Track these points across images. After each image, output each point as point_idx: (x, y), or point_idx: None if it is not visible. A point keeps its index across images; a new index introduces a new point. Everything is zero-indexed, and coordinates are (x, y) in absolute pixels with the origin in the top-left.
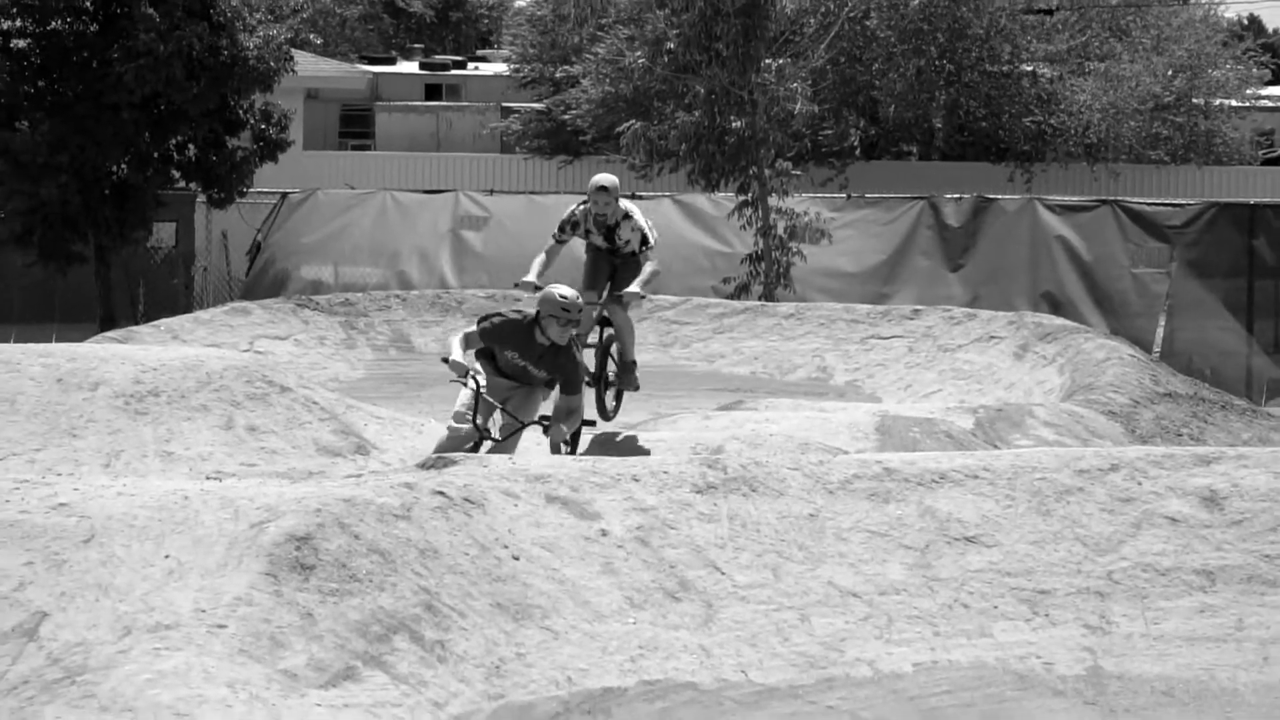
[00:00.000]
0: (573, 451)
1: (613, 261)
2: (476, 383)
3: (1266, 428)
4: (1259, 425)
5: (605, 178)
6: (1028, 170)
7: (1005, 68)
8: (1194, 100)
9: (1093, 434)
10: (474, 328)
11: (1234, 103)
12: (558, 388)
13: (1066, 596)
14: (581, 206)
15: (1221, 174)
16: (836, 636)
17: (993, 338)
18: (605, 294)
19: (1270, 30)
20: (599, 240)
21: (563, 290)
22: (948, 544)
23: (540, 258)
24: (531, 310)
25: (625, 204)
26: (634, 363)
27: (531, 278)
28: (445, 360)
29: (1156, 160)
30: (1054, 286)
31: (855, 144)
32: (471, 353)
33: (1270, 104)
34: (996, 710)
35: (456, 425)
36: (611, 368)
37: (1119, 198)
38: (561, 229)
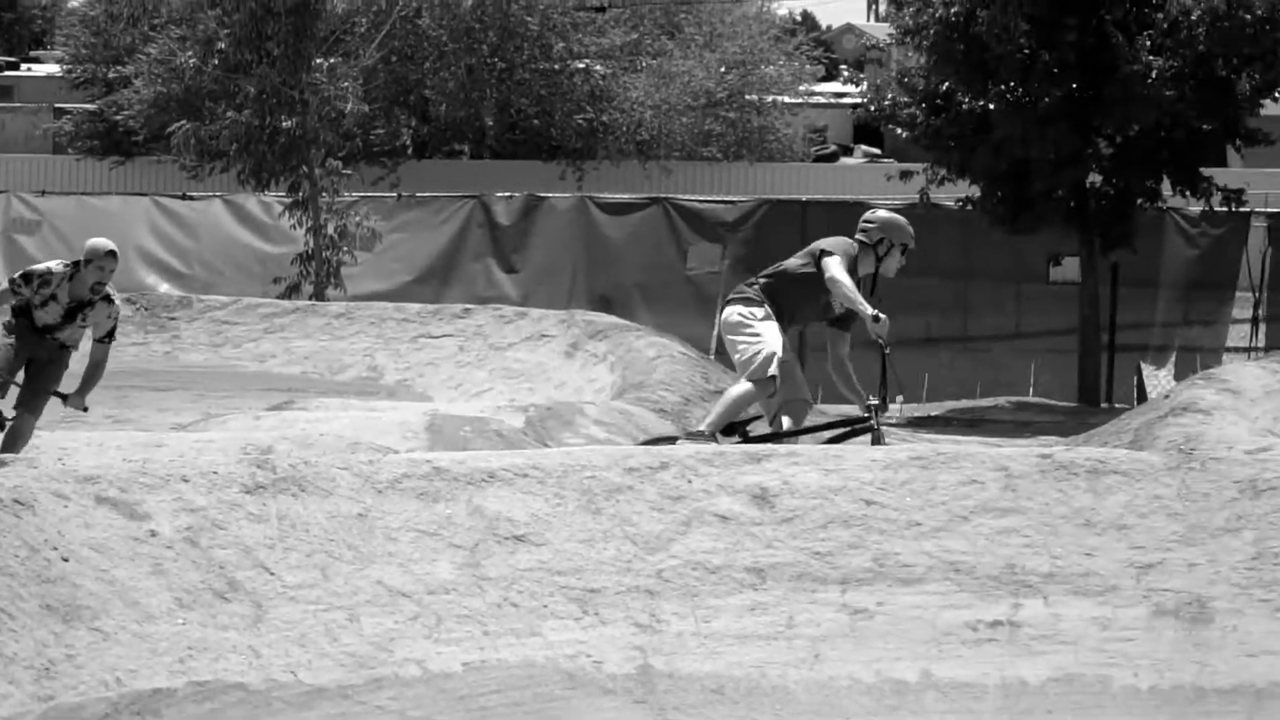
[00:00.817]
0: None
1: (42, 351)
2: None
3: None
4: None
5: (110, 243)
6: (579, 168)
7: (557, 65)
8: (747, 97)
9: (644, 432)
10: (837, 254)
11: (787, 99)
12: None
13: (617, 595)
14: (63, 267)
15: (774, 170)
16: (386, 636)
17: (544, 336)
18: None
19: (823, 26)
20: (53, 315)
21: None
22: (497, 543)
23: None
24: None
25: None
26: None
27: None
28: (875, 319)
29: (709, 157)
30: (607, 286)
31: (407, 143)
32: None
33: (823, 100)
34: (545, 709)
35: (768, 379)
36: None
37: (671, 195)
38: (27, 280)
